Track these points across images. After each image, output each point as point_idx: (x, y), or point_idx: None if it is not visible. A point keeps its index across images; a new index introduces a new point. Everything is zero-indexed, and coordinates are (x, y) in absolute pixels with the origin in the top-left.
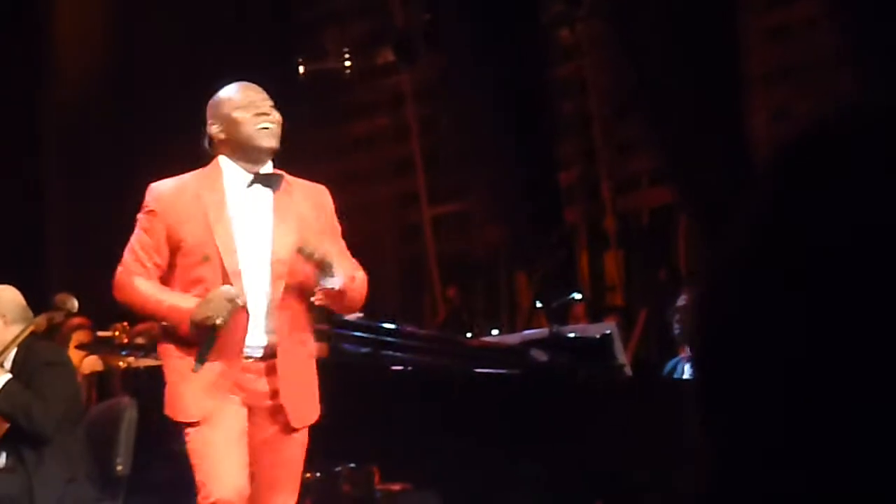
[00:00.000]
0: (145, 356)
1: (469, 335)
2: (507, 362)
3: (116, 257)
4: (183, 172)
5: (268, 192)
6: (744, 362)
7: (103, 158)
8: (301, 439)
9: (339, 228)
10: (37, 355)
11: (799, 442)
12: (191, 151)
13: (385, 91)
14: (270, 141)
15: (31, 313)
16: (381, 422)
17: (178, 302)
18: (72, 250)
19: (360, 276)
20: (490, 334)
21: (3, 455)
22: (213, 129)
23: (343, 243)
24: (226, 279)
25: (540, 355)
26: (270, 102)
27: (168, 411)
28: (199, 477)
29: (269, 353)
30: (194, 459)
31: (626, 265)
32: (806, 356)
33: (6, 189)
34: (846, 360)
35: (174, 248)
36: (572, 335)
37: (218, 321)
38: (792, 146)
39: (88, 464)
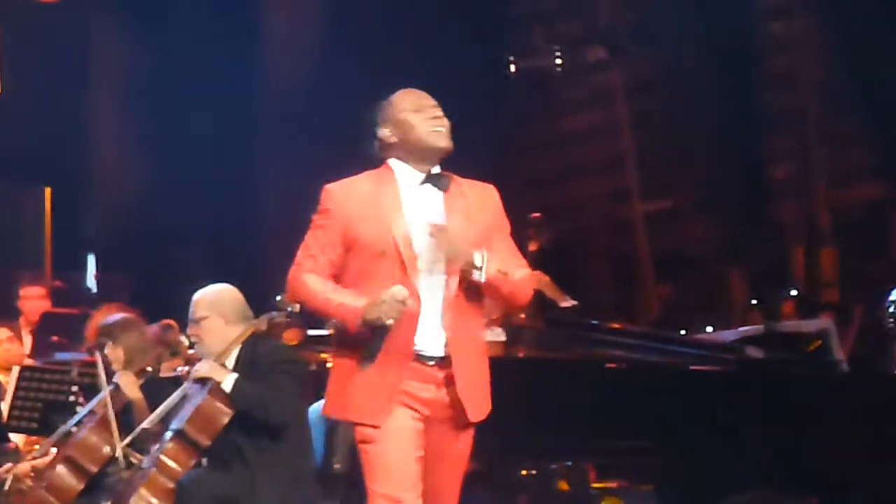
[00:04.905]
0: None
1: (683, 332)
2: (722, 359)
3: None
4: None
5: (438, 192)
6: None
7: (314, 164)
8: (468, 440)
9: (507, 226)
10: (268, 355)
11: None
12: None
13: (596, 87)
14: (445, 141)
15: (251, 312)
16: (596, 419)
17: (348, 300)
18: (287, 249)
19: (522, 272)
20: (704, 331)
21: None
22: (384, 132)
23: (511, 241)
24: (403, 274)
25: (755, 352)
26: (439, 109)
27: (334, 411)
28: (371, 485)
29: (444, 356)
30: (367, 470)
31: (842, 261)
32: None
33: (227, 196)
34: None
35: (349, 246)
36: (788, 331)
37: (388, 322)
38: None
39: (313, 463)
